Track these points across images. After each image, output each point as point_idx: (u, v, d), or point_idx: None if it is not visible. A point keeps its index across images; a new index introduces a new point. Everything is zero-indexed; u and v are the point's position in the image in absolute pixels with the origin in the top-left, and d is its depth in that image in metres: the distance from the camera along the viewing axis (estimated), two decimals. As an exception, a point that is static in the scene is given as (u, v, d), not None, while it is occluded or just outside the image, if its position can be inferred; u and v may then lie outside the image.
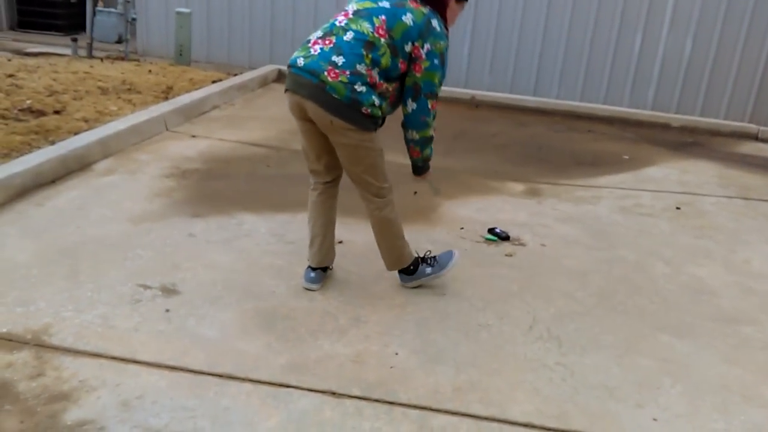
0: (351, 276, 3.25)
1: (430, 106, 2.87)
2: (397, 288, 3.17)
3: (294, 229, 3.70)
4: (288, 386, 2.36)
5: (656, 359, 2.74)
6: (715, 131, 7.37)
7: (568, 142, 6.46)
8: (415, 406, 2.32)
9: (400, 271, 3.16)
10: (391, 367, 2.54)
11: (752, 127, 7.48)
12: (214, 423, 2.15)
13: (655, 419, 2.36)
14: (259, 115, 6.27)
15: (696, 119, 7.63)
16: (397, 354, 2.63)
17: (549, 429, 2.26)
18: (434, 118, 2.94)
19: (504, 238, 3.90)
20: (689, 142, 6.87)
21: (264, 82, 7.69)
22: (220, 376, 2.39)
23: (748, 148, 6.88)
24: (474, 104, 7.73)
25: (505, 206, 4.49)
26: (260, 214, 3.87)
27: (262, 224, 3.73)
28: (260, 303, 2.91)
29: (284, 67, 8.13)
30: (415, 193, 4.57)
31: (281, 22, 8.45)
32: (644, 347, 2.83)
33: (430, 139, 3.02)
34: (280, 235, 3.61)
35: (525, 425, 2.27)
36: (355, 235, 3.71)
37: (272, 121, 6.08)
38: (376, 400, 2.33)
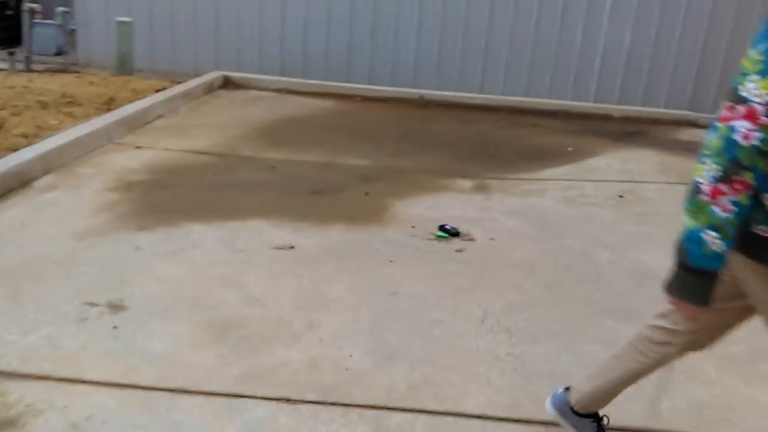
0: (303, 281, 3.25)
1: None
2: (351, 290, 3.18)
3: (243, 237, 3.68)
4: (242, 396, 2.35)
5: (603, 344, 2.82)
6: (655, 120, 7.61)
7: (514, 137, 6.58)
8: (371, 407, 2.34)
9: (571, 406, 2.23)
10: (346, 370, 2.55)
11: (691, 115, 7.74)
12: (168, 437, 2.13)
13: (603, 403, 2.43)
14: (205, 123, 6.20)
15: (637, 109, 7.86)
16: (351, 356, 2.64)
17: (502, 419, 2.31)
18: None
19: (454, 234, 3.95)
20: (631, 131, 7.07)
21: (209, 89, 7.60)
22: (171, 390, 2.36)
23: (688, 134, 7.11)
24: (422, 103, 7.80)
25: (455, 203, 4.55)
26: (208, 224, 3.83)
27: (210, 233, 3.70)
28: (211, 314, 2.88)
29: (231, 73, 8.07)
30: (367, 193, 4.60)
31: (226, 27, 8.36)
32: (591, 333, 2.91)
33: None
34: (230, 244, 3.59)
35: (479, 417, 2.31)
36: (306, 239, 3.71)
37: (218, 128, 6.03)
38: (332, 404, 2.34)
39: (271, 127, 6.30)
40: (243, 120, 6.42)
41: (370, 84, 8.11)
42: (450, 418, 2.29)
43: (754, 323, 3.07)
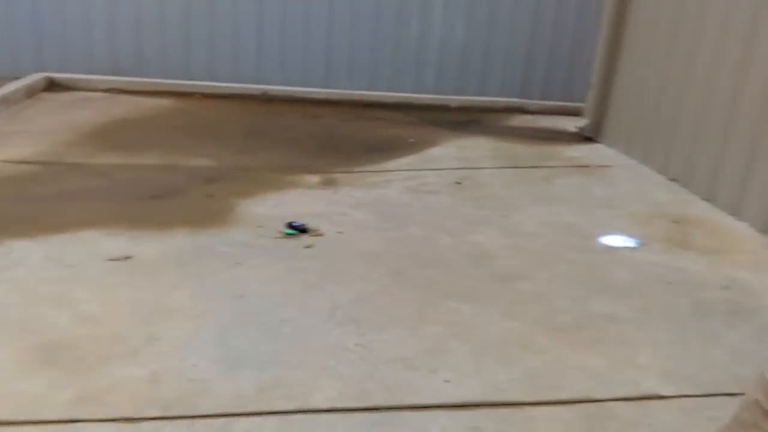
0: (142, 292, 3.10)
1: None
2: (195, 297, 3.08)
3: (73, 251, 3.44)
4: (77, 421, 2.20)
5: (445, 325, 2.96)
6: (489, 108, 8.05)
7: (358, 130, 6.69)
8: (218, 415, 2.28)
9: None
10: (191, 381, 2.47)
11: (521, 102, 8.27)
12: (-8, 477, 1.95)
13: (446, 381, 2.55)
14: (26, 130, 5.70)
15: (472, 99, 8.27)
16: (196, 366, 2.56)
17: (351, 410, 2.36)
18: None
19: (302, 230, 3.95)
20: (467, 120, 7.44)
21: (31, 93, 6.99)
22: (-4, 424, 2.17)
23: (517, 120, 7.61)
24: (266, 99, 7.70)
25: (303, 199, 4.55)
26: (33, 239, 3.53)
27: (35, 250, 3.42)
28: (39, 336, 2.67)
29: (55, 74, 7.47)
30: (210, 195, 4.47)
31: (49, 26, 7.70)
32: (434, 316, 3.05)
33: None
34: (58, 259, 3.34)
35: (328, 411, 2.34)
36: (144, 248, 3.54)
37: (42, 134, 5.57)
38: (176, 417, 2.26)
39: (102, 131, 5.92)
40: (70, 124, 5.98)
41: (211, 80, 7.87)
42: (300, 416, 2.30)
43: (579, 292, 3.36)
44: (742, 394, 2.58)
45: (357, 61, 8.24)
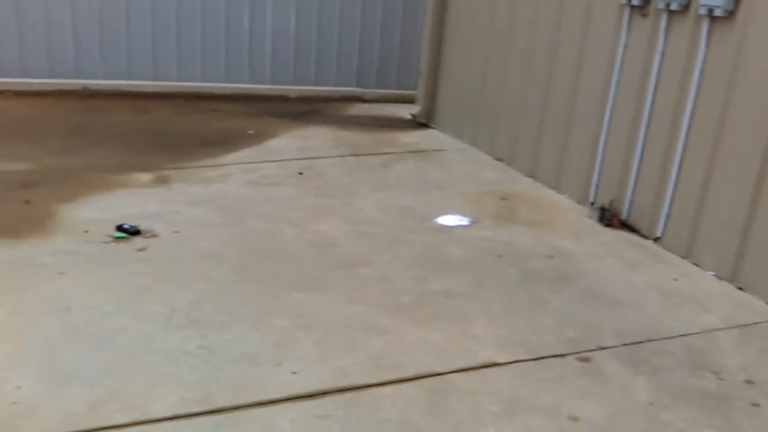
0: (-52, 314, 2.77)
1: None
2: (14, 313, 2.81)
3: None
4: None
5: (291, 317, 2.95)
6: (328, 98, 8.09)
7: (193, 123, 6.44)
8: (46, 438, 2.11)
9: None
10: (14, 404, 2.26)
11: (358, 91, 8.40)
12: None
13: (293, 372, 2.54)
14: None
15: (311, 89, 8.26)
16: (19, 388, 2.34)
17: (195, 414, 2.27)
18: None
19: (134, 233, 3.73)
20: (307, 110, 7.42)
21: None
22: None
23: (356, 109, 7.72)
24: (88, 94, 7.16)
25: (133, 199, 4.29)
26: None
27: None
28: None
29: None
30: (27, 201, 4.09)
31: None
32: (279, 308, 3.02)
33: None
34: None
35: (171, 419, 2.24)
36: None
37: None
38: (-4, 446, 2.06)
39: None
40: None
41: (23, 77, 7.17)
42: (139, 428, 2.18)
43: (418, 272, 3.48)
44: (570, 354, 2.84)
45: (186, 53, 7.89)
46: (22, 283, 3.08)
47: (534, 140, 5.26)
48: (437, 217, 4.36)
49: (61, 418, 2.20)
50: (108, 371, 2.47)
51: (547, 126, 5.13)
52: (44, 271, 3.21)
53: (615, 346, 2.91)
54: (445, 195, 4.81)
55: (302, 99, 7.95)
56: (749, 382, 2.71)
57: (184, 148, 5.57)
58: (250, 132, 6.22)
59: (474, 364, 2.71)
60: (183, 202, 4.28)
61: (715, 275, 3.70)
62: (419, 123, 6.92)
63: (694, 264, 3.83)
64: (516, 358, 2.78)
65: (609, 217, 4.35)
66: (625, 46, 4.34)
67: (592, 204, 4.55)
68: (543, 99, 5.16)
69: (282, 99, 7.88)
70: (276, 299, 3.12)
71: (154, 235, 3.74)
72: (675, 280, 3.64)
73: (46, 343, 2.63)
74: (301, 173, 5.05)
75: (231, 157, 5.35)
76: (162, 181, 4.69)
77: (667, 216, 4.03)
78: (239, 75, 8.15)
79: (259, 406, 2.34)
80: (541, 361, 2.78)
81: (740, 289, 3.55)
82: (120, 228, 3.74)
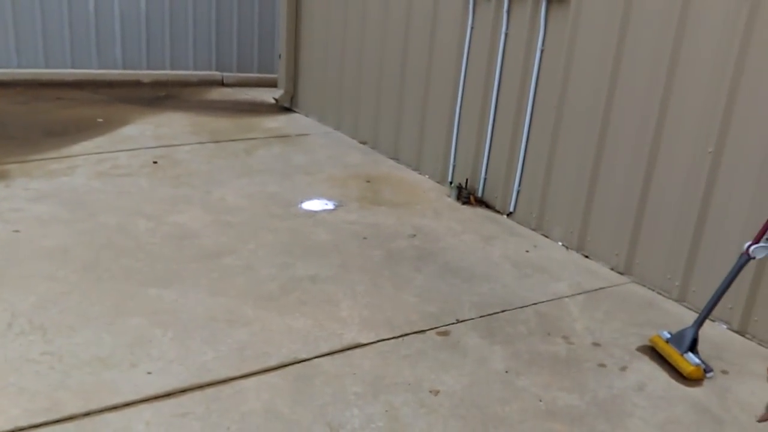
0: None
1: None
2: None
3: None
4: None
5: (146, 314, 2.81)
6: (185, 82, 7.77)
7: (35, 113, 5.94)
8: None
9: None
10: None
11: (217, 75, 8.13)
12: None
13: (149, 372, 2.43)
14: None
15: (166, 73, 7.89)
16: None
17: (41, 425, 2.11)
18: None
19: (-34, 234, 3.40)
20: (162, 96, 7.09)
21: None
22: None
23: (216, 94, 7.48)
24: None
25: (-35, 198, 3.90)
26: None
27: None
28: None
29: None
30: None
31: None
32: (133, 307, 2.87)
33: None
34: None
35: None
36: None
37: None
38: None
39: None
40: None
41: None
42: (-27, 448, 2.00)
43: (284, 258, 3.42)
44: (431, 329, 2.93)
45: (23, 37, 7.25)
46: None
47: (394, 123, 5.36)
48: (302, 202, 4.33)
49: None
50: (-65, 389, 2.23)
51: (406, 109, 5.23)
52: None
53: (472, 318, 3.04)
54: (311, 180, 4.79)
55: (157, 84, 7.58)
56: (596, 344, 2.93)
57: (25, 140, 5.13)
58: (100, 120, 5.84)
59: (339, 347, 2.73)
60: (24, 198, 3.95)
61: (563, 245, 3.96)
62: (282, 107, 6.82)
63: (544, 236, 4.09)
64: (379, 338, 2.82)
65: (466, 195, 4.53)
66: (472, 28, 4.51)
67: (450, 183, 4.72)
68: (400, 82, 5.25)
69: (135, 84, 7.47)
70: (130, 297, 2.96)
71: (-10, 236, 3.42)
72: (527, 251, 3.86)
73: None
74: (156, 162, 4.81)
75: (78, 148, 5.00)
76: (0, 176, 4.30)
77: (518, 192, 4.26)
78: (86, 60, 7.61)
79: (113, 410, 2.21)
80: (404, 338, 2.85)
81: (586, 257, 3.83)
82: (-52, 230, 3.39)
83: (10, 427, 2.10)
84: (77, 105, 6.35)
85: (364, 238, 3.85)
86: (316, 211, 4.21)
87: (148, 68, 7.90)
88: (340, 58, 5.97)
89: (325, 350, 2.69)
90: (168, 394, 2.32)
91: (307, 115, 6.58)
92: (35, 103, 6.31)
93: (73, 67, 7.49)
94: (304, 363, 2.60)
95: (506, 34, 4.25)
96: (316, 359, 2.63)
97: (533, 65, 4.07)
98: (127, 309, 2.85)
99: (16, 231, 3.51)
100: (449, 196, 4.63)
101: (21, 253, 3.28)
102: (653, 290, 3.49)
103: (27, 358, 2.45)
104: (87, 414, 2.18)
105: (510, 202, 4.33)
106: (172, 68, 8.07)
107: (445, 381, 2.55)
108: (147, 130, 5.64)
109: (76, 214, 3.79)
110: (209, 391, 2.37)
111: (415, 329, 2.92)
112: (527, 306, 3.21)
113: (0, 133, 5.26)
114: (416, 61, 5.06)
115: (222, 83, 7.96)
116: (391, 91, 5.35)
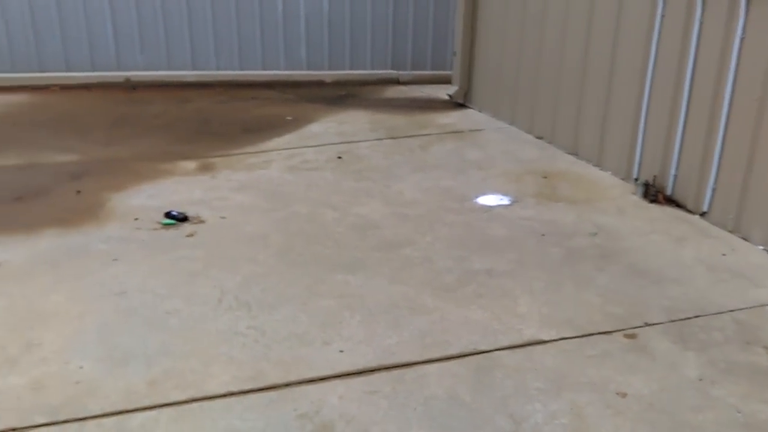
0: (14, 299, 2.91)
1: None
2: (72, 299, 2.93)
3: None
4: (-49, 442, 2.06)
5: (335, 297, 3.01)
6: (364, 81, 8.11)
7: (234, 111, 6.54)
8: (110, 414, 2.21)
9: None
10: (77, 383, 2.37)
11: (393, 73, 8.40)
12: None
13: (341, 351, 2.60)
14: None
15: (347, 73, 8.29)
16: (81, 368, 2.45)
17: (246, 392, 2.35)
18: None
19: (182, 219, 3.84)
20: (343, 95, 7.46)
21: None
22: None
23: (392, 92, 7.73)
24: (131, 86, 7.33)
25: (179, 187, 4.40)
26: None
27: None
28: None
29: None
30: (79, 191, 4.23)
31: None
32: (324, 290, 3.08)
33: None
34: None
35: (223, 396, 2.32)
36: (12, 254, 3.32)
37: None
38: (65, 421, 2.17)
39: (-51, 132, 5.43)
40: None
41: (67, 71, 7.37)
42: (195, 405, 2.27)
43: (460, 252, 3.49)
44: (617, 331, 2.83)
45: (223, 41, 7.99)
46: (78, 270, 3.20)
47: (574, 117, 5.20)
48: (477, 197, 4.36)
49: (121, 396, 2.30)
50: (163, 351, 2.56)
51: (587, 102, 5.06)
52: (98, 258, 3.34)
53: (662, 323, 2.89)
54: (485, 175, 4.80)
55: (338, 83, 7.99)
56: (802, 356, 2.66)
57: (226, 135, 5.67)
58: (289, 118, 6.29)
59: (519, 341, 2.73)
60: (228, 189, 4.38)
61: (764, 249, 3.63)
62: (456, 103, 6.90)
63: (743, 238, 3.76)
64: (561, 336, 2.78)
65: (653, 193, 4.28)
66: (663, 16, 4.25)
67: (636, 180, 4.49)
68: (581, 74, 5.09)
69: (318, 84, 7.93)
70: (321, 281, 3.18)
71: (202, 221, 3.84)
72: (723, 255, 3.58)
73: (104, 325, 2.74)
74: (340, 157, 5.09)
75: (272, 144, 5.43)
76: (206, 168, 4.79)
77: (714, 189, 3.96)
78: (275, 62, 8.22)
79: (309, 383, 2.40)
80: (587, 338, 2.78)
81: (791, 263, 3.48)
82: (168, 215, 3.85)
83: (223, 391, 2.35)
84: (269, 104, 6.89)
85: (542, 234, 3.80)
86: (491, 206, 4.23)
87: (330, 69, 8.35)
88: (518, 52, 5.91)
89: (505, 344, 2.71)
90: (358, 372, 2.47)
91: (480, 111, 6.59)
92: (233, 102, 6.93)
93: (263, 69, 8.12)
94: (484, 354, 2.63)
95: (701, 22, 3.96)
96: (495, 352, 2.65)
97: (731, 54, 3.76)
98: (319, 291, 3.06)
99: (223, 217, 3.90)
100: (634, 194, 4.41)
101: (227, 237, 3.64)
102: None
103: (235, 331, 2.73)
104: (287, 385, 2.39)
105: (704, 201, 4.03)
106: (352, 68, 8.46)
107: (632, 384, 2.45)
108: (330, 127, 5.98)
109: (273, 204, 4.13)
110: (395, 372, 2.48)
111: (600, 330, 2.83)
112: (723, 312, 2.98)
113: (205, 130, 5.85)
114: (599, 52, 4.88)
115: (398, 81, 8.21)
116: (571, 84, 5.21)
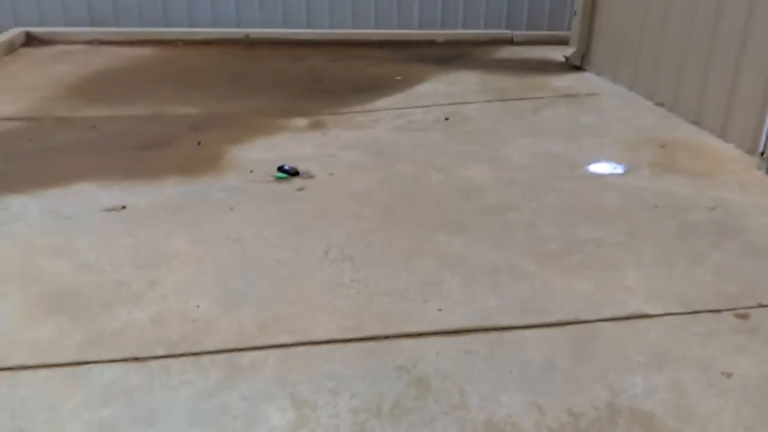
0: (140, 240, 3.16)
1: None
2: (191, 243, 3.15)
3: (69, 203, 3.49)
4: (87, 363, 2.30)
5: (437, 257, 3.05)
6: (476, 41, 7.96)
7: (344, 70, 6.64)
8: (222, 351, 2.38)
9: None
10: (194, 321, 2.56)
11: (507, 33, 8.18)
12: (13, 416, 2.06)
13: (440, 309, 2.65)
14: (10, 86, 5.65)
15: (459, 32, 8.17)
16: (198, 307, 2.65)
17: (348, 340, 2.46)
18: None
19: (293, 174, 3.99)
20: (454, 55, 7.37)
21: (11, 48, 6.89)
22: (11, 369, 2.26)
23: (505, 52, 7.55)
24: (249, 43, 7.59)
25: (292, 143, 4.57)
26: (28, 193, 3.57)
27: (31, 204, 3.46)
28: (43, 286, 2.75)
29: (34, 29, 7.35)
30: (199, 143, 4.48)
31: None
32: (426, 250, 3.13)
33: None
34: (55, 212, 3.39)
35: (327, 342, 2.44)
36: (138, 198, 3.59)
37: (26, 90, 5.53)
38: (182, 355, 2.36)
39: (86, 83, 5.87)
40: (53, 78, 5.92)
41: (190, 27, 7.74)
42: (300, 348, 2.40)
43: (567, 220, 3.43)
44: (727, 310, 2.71)
45: (337, 0, 8.08)
46: (198, 216, 3.42)
47: (699, 84, 4.89)
48: (589, 164, 4.23)
49: (234, 336, 2.47)
50: (274, 297, 2.72)
51: (714, 68, 4.73)
52: (217, 205, 3.55)
53: (780, 305, 2.72)
54: (599, 142, 4.64)
55: (450, 43, 7.89)
56: None
57: (337, 94, 5.79)
58: (398, 78, 6.31)
59: (623, 314, 2.67)
60: (337, 146, 4.49)
61: None
62: (572, 66, 6.65)
63: None
64: (668, 311, 2.69)
65: (782, 169, 3.99)
66: (816, -24, 3.88)
67: (762, 154, 4.19)
68: (711, 37, 4.75)
69: (429, 44, 7.87)
70: (423, 240, 3.22)
71: (311, 177, 3.98)
72: None
73: (220, 269, 2.93)
74: (447, 119, 5.08)
75: (380, 103, 5.49)
76: (317, 125, 4.93)
77: None
78: (388, 20, 8.22)
79: (408, 337, 2.48)
80: (695, 315, 2.67)
81: None
82: (281, 169, 4.01)
83: (327, 338, 2.47)
84: (379, 63, 6.93)
85: (656, 206, 3.64)
86: (603, 175, 4.09)
87: (442, 28, 8.26)
88: (643, 13, 5.59)
89: (608, 315, 2.65)
90: (455, 331, 2.51)
91: (598, 74, 6.32)
92: (344, 61, 7.03)
93: (376, 28, 8.15)
94: (585, 324, 2.60)
95: None
96: (598, 322, 2.61)
97: None
98: (420, 251, 3.12)
99: (331, 174, 4.02)
100: (759, 169, 4.12)
101: (335, 193, 3.76)
102: None
103: (339, 282, 2.84)
104: (386, 337, 2.48)
105: (840, 180, 3.71)
106: (464, 27, 8.32)
107: (740, 365, 2.35)
108: (439, 88, 5.95)
109: (379, 163, 4.20)
110: (492, 334, 2.51)
111: (709, 308, 2.71)
112: None
113: (317, 87, 5.99)
114: (732, 15, 4.53)
115: (511, 41, 8.00)
116: (699, 49, 4.88)
